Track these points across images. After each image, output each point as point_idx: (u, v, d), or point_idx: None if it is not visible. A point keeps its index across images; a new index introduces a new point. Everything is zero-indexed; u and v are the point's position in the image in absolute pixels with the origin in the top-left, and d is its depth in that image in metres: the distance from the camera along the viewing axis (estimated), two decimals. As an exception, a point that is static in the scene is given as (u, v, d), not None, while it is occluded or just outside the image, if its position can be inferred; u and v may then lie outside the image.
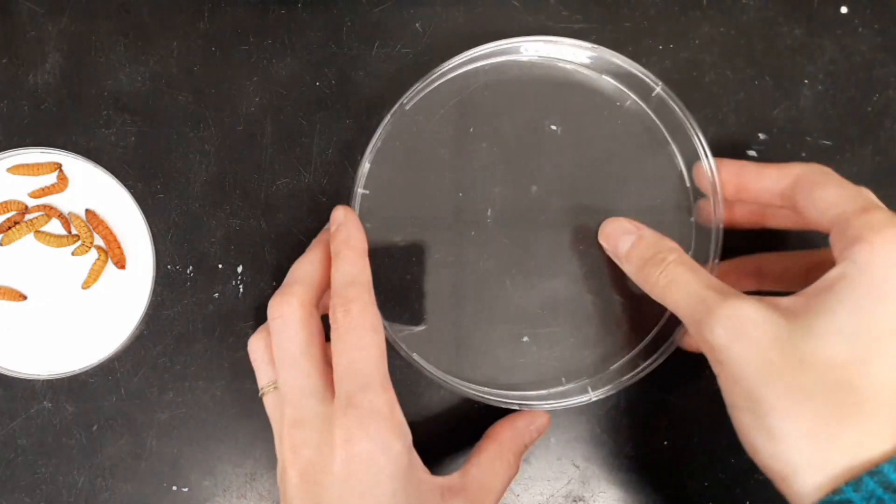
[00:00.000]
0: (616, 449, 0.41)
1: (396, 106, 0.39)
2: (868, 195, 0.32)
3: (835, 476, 0.27)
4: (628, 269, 0.36)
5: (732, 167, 0.36)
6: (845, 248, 0.29)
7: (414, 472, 0.32)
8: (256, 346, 0.36)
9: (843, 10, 0.42)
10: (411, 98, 0.40)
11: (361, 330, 0.32)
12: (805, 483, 0.27)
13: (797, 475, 0.28)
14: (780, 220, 0.37)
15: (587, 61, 0.40)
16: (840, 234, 0.30)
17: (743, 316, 0.29)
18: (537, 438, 0.37)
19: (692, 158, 0.39)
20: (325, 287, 0.35)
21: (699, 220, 0.39)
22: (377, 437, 0.30)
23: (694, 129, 0.39)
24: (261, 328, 0.36)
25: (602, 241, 0.38)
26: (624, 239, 0.36)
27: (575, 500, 0.40)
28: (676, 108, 0.39)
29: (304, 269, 0.35)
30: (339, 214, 0.36)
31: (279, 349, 0.33)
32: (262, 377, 0.35)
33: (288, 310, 0.33)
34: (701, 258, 0.39)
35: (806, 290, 0.30)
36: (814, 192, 0.32)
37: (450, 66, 0.40)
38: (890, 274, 0.28)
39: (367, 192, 0.40)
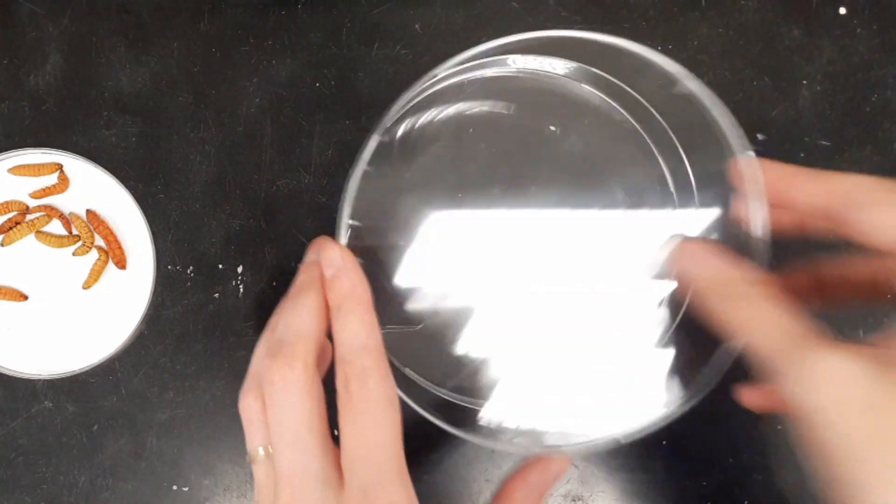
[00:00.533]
0: (615, 449, 0.41)
1: (397, 106, 0.40)
2: None
3: None
4: (702, 297, 0.30)
5: (776, 170, 0.32)
6: None
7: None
8: (249, 404, 0.30)
9: (842, 10, 0.43)
10: (411, 100, 0.40)
11: (378, 408, 0.28)
12: None
13: None
14: (821, 232, 0.33)
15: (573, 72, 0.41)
16: None
17: (839, 375, 0.25)
18: (555, 483, 0.34)
19: (677, 161, 0.40)
20: (323, 343, 0.30)
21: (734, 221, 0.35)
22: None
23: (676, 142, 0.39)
24: (250, 383, 0.31)
25: (673, 262, 0.32)
26: (704, 264, 0.31)
27: (574, 500, 0.40)
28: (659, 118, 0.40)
29: (303, 323, 0.29)
30: (335, 255, 0.31)
31: (278, 422, 0.29)
32: (255, 439, 0.30)
33: (291, 375, 0.28)
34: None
35: None
36: (868, 211, 0.28)
37: (445, 70, 0.40)
38: None
39: (364, 193, 0.40)
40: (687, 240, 0.32)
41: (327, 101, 0.42)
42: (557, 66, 0.41)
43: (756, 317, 0.28)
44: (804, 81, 0.42)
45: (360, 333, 0.29)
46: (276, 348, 0.29)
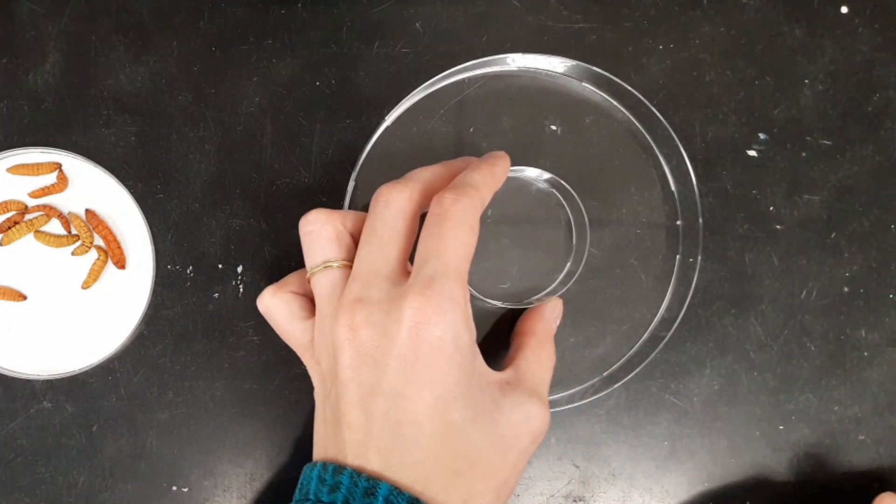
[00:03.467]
0: (616, 449, 0.41)
1: (396, 106, 0.40)
2: None
3: None
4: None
5: None
6: None
7: (476, 366, 0.31)
8: (317, 218, 0.33)
9: (844, 9, 0.42)
10: (409, 99, 0.40)
11: (463, 223, 0.30)
12: None
13: None
14: None
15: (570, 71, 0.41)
16: None
17: None
18: (559, 320, 0.38)
19: (678, 160, 0.40)
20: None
21: None
22: (452, 325, 0.29)
23: (674, 138, 0.39)
24: (326, 210, 0.33)
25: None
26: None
27: (575, 500, 0.40)
28: (661, 118, 0.40)
29: (426, 173, 0.33)
30: (500, 156, 0.35)
31: (371, 228, 0.31)
32: (317, 254, 0.33)
33: (397, 196, 0.31)
34: (688, 256, 0.39)
35: None
36: None
37: (445, 73, 0.40)
38: None
39: (365, 190, 0.40)
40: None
41: (328, 100, 0.41)
42: (556, 65, 0.41)
43: None
44: (806, 81, 0.42)
45: (480, 177, 0.32)
46: (392, 182, 0.32)
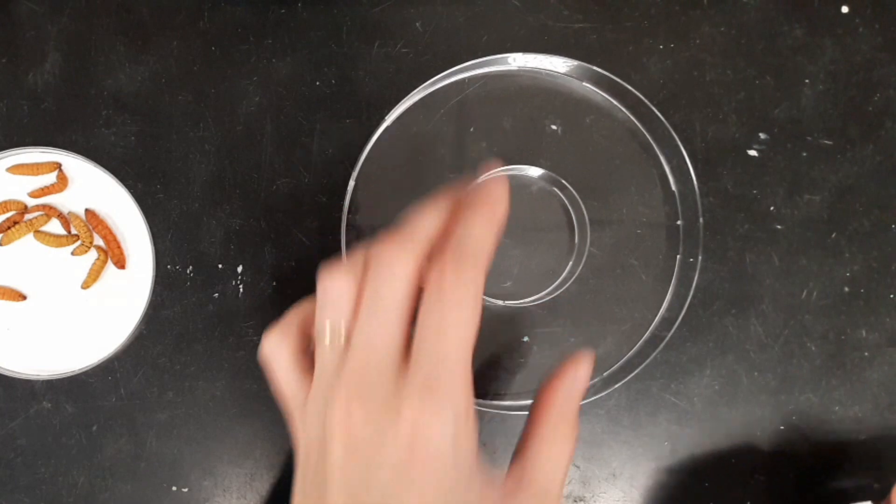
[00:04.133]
0: (616, 449, 0.41)
1: (396, 106, 0.40)
2: None
3: None
4: None
5: None
6: None
7: (476, 469, 0.28)
8: (339, 280, 0.29)
9: (844, 9, 0.42)
10: (410, 99, 0.40)
11: (467, 300, 0.27)
12: None
13: None
14: None
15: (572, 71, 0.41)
16: None
17: None
18: (587, 385, 0.32)
19: (678, 160, 0.40)
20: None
21: None
22: (452, 428, 0.26)
23: (673, 136, 0.39)
24: (344, 265, 0.30)
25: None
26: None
27: (575, 500, 0.40)
28: (660, 116, 0.40)
29: (429, 224, 0.29)
30: (495, 181, 0.30)
31: (371, 294, 0.28)
32: (329, 314, 0.30)
33: (401, 264, 0.28)
34: (688, 256, 0.39)
35: None
36: None
37: (446, 73, 0.40)
38: None
39: (365, 190, 0.40)
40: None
41: (328, 99, 0.41)
42: (557, 65, 0.41)
43: None
44: (806, 80, 0.42)
45: (480, 236, 0.29)
46: (395, 238, 0.29)
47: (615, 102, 0.41)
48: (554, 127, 0.41)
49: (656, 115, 0.40)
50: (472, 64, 0.40)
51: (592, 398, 0.39)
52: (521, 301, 0.39)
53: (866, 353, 0.41)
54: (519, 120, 0.41)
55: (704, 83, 0.42)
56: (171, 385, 0.40)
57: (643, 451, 0.41)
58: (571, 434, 0.30)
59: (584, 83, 0.41)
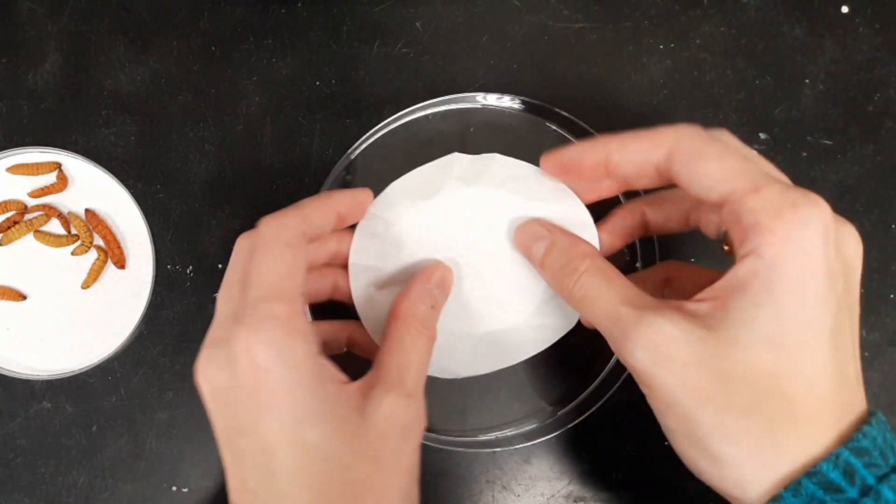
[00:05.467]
0: (617, 449, 0.40)
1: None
2: (757, 164, 0.28)
3: (776, 484, 0.26)
4: (545, 278, 0.32)
5: (598, 146, 0.31)
6: (746, 237, 0.26)
7: (326, 377, 0.29)
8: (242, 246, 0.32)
9: (844, 9, 0.42)
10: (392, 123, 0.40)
11: (272, 243, 0.29)
12: (753, 497, 0.26)
13: (746, 493, 0.27)
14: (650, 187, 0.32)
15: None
16: (734, 218, 0.27)
17: (663, 336, 0.26)
18: (445, 295, 0.34)
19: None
20: (323, 233, 0.32)
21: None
22: (273, 345, 0.27)
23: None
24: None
25: (517, 247, 0.34)
26: (537, 245, 0.32)
27: (576, 500, 0.40)
28: None
29: (321, 207, 0.32)
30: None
31: (240, 267, 0.30)
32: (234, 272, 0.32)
33: (246, 235, 0.30)
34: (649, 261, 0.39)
35: (717, 288, 0.27)
36: (693, 166, 0.28)
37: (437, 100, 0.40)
38: (802, 266, 0.26)
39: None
40: (523, 224, 0.33)
41: (327, 99, 0.41)
42: (519, 104, 0.41)
43: (587, 293, 0.29)
44: (806, 80, 0.42)
45: (304, 201, 0.32)
46: (275, 214, 0.31)
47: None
48: (554, 127, 0.41)
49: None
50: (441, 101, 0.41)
51: (601, 402, 0.39)
52: None
53: (866, 354, 0.41)
54: (518, 119, 0.41)
55: (704, 83, 0.42)
56: (171, 385, 0.40)
57: (644, 451, 0.41)
58: (422, 331, 0.32)
59: (546, 122, 0.41)
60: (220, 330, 0.29)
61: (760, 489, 0.26)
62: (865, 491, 0.25)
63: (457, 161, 0.35)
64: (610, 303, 0.28)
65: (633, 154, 0.30)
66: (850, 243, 0.27)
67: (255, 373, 0.27)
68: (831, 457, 0.25)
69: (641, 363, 0.27)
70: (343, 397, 0.28)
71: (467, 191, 0.34)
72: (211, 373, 0.29)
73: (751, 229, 0.26)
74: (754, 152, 0.29)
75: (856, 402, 0.27)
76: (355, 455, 0.28)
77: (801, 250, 0.26)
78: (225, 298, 0.30)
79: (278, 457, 0.27)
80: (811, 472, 0.25)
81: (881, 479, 0.25)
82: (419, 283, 0.33)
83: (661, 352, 0.27)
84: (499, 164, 0.36)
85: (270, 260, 0.29)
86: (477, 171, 0.35)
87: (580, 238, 0.32)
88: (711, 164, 0.27)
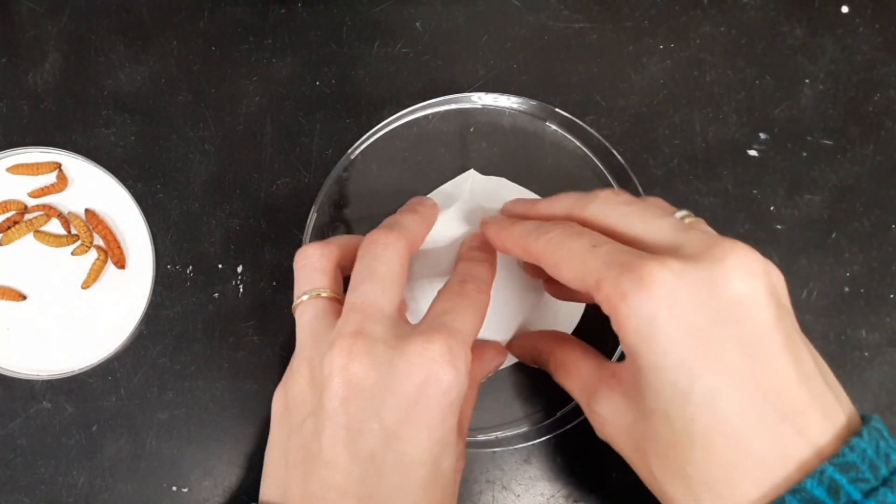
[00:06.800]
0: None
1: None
2: (605, 244, 0.28)
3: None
4: (524, 244, 0.32)
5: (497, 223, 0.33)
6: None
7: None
8: (311, 252, 0.32)
9: (844, 9, 0.42)
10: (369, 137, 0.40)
11: (480, 304, 0.32)
12: None
13: None
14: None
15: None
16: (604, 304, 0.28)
17: (606, 410, 0.30)
18: (494, 372, 0.36)
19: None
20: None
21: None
22: (463, 375, 0.28)
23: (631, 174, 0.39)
24: (321, 244, 0.33)
25: (489, 227, 0.35)
26: (514, 211, 0.35)
27: (575, 501, 0.40)
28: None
29: (411, 224, 0.33)
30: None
31: (370, 268, 0.30)
32: (306, 283, 0.32)
33: (394, 241, 0.31)
34: None
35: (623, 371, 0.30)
36: (558, 274, 0.29)
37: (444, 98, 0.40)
38: (650, 339, 0.26)
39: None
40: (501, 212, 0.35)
41: (327, 99, 0.41)
42: (518, 104, 0.41)
43: (569, 245, 0.29)
44: (806, 80, 0.42)
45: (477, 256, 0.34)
46: (385, 227, 0.32)
47: (576, 142, 0.41)
48: (554, 127, 0.41)
49: (616, 157, 0.40)
50: (438, 101, 0.41)
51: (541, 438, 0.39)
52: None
53: (866, 353, 0.41)
54: (518, 119, 0.41)
55: (704, 83, 0.42)
56: (171, 385, 0.40)
57: (643, 451, 0.41)
58: (477, 391, 0.35)
59: (546, 123, 0.41)
60: (381, 326, 0.29)
61: None
62: None
63: (472, 177, 0.37)
64: (589, 257, 0.28)
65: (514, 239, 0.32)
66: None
67: (428, 386, 0.28)
68: (815, 473, 0.25)
69: (597, 426, 0.31)
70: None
71: (476, 206, 0.35)
72: (364, 363, 0.28)
73: (612, 317, 0.27)
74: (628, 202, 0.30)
75: (833, 413, 0.27)
76: (453, 492, 0.30)
77: (643, 327, 0.26)
78: (372, 292, 0.30)
79: (416, 472, 0.28)
80: (795, 490, 0.25)
81: (868, 493, 0.25)
82: (491, 351, 0.36)
83: (609, 421, 0.30)
84: (507, 189, 0.38)
85: (474, 311, 0.31)
86: (487, 190, 0.36)
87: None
88: (565, 273, 0.29)
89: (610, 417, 0.30)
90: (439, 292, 0.32)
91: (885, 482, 0.25)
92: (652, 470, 0.28)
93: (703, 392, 0.26)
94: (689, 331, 0.26)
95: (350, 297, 0.30)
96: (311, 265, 0.32)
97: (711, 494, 0.26)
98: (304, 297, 0.32)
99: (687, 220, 0.30)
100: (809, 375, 0.27)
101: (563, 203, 0.32)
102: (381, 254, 0.31)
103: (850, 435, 0.26)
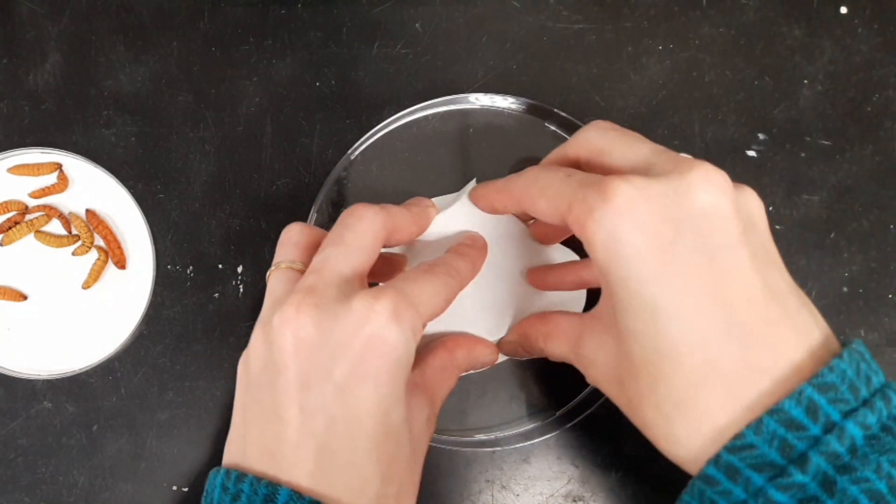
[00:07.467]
0: (616, 448, 0.41)
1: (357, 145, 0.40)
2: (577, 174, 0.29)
3: (708, 437, 0.26)
4: (504, 190, 0.34)
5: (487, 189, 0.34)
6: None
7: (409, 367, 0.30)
8: (294, 229, 0.33)
9: (843, 10, 0.43)
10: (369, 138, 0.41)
11: (450, 282, 0.31)
12: (691, 451, 0.27)
13: (683, 448, 0.27)
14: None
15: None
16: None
17: (589, 346, 0.31)
18: (479, 369, 0.37)
19: None
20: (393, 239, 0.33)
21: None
22: (408, 325, 0.28)
23: None
24: (305, 224, 0.34)
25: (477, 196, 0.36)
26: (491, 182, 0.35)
27: (575, 500, 0.40)
28: None
29: (396, 210, 0.33)
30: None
31: (338, 235, 0.31)
32: (281, 255, 0.33)
33: (371, 214, 0.31)
34: None
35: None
36: (533, 207, 0.30)
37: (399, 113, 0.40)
38: (616, 251, 0.27)
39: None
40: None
41: (327, 100, 0.41)
42: (518, 105, 0.41)
43: (544, 177, 0.30)
44: (805, 81, 0.42)
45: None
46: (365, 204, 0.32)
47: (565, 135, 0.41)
48: (553, 128, 0.41)
49: None
50: (437, 102, 0.41)
51: (600, 401, 0.39)
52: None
53: (865, 353, 0.41)
54: (517, 119, 0.41)
55: (703, 84, 0.42)
56: (171, 385, 0.40)
57: (643, 451, 0.41)
58: (456, 379, 0.35)
59: (545, 123, 0.41)
60: (334, 288, 0.29)
61: (693, 445, 0.27)
62: (829, 427, 0.25)
63: (472, 184, 0.37)
64: (564, 184, 0.29)
65: (501, 198, 0.33)
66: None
67: (373, 339, 0.28)
68: (794, 393, 0.25)
69: (584, 369, 0.32)
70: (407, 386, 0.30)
71: (473, 211, 0.35)
72: (312, 316, 0.28)
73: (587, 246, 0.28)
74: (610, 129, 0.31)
75: (806, 330, 0.27)
76: (410, 448, 0.30)
77: (608, 240, 0.27)
78: (334, 256, 0.30)
79: (365, 425, 0.28)
80: (773, 410, 0.25)
81: (847, 414, 0.25)
82: (482, 346, 0.36)
83: (593, 361, 0.31)
84: None
85: (436, 284, 0.31)
86: None
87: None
88: (542, 204, 0.30)
89: (594, 356, 0.30)
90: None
91: (865, 403, 0.25)
92: (629, 396, 0.28)
93: (667, 304, 0.26)
94: (653, 241, 0.26)
95: (314, 260, 0.31)
96: (290, 240, 0.33)
97: (682, 414, 0.26)
98: (275, 267, 0.32)
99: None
100: (780, 292, 0.27)
101: (559, 147, 0.33)
102: (353, 224, 0.31)
103: (830, 356, 0.26)
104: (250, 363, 0.30)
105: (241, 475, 0.28)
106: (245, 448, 0.29)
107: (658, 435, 0.28)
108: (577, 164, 0.31)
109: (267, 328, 0.29)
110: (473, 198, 0.35)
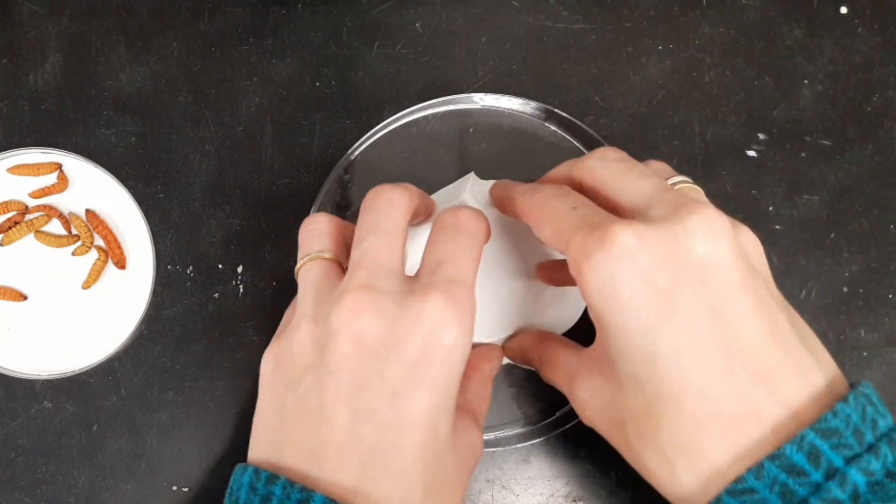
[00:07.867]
0: (616, 449, 0.40)
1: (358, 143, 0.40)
2: (579, 207, 0.29)
3: (707, 480, 0.26)
4: (509, 204, 0.34)
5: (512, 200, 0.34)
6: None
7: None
8: (321, 219, 0.32)
9: (843, 10, 0.43)
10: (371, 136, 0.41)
11: (478, 239, 0.30)
12: (694, 484, 0.26)
13: (682, 489, 0.27)
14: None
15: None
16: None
17: (584, 395, 0.31)
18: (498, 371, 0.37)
19: None
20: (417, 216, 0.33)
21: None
22: (466, 333, 0.28)
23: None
24: (329, 215, 0.33)
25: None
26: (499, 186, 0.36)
27: (575, 500, 0.40)
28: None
29: (416, 189, 0.33)
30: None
31: (373, 223, 0.30)
32: (311, 245, 0.32)
33: (400, 198, 0.30)
34: None
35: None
36: (539, 233, 0.30)
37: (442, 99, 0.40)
38: (612, 300, 0.27)
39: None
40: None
41: (327, 100, 0.42)
42: (518, 105, 0.41)
43: (552, 204, 0.30)
44: (805, 81, 0.42)
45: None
46: (389, 184, 0.31)
47: (577, 144, 0.41)
48: (553, 128, 0.41)
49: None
50: (438, 102, 0.41)
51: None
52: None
53: (865, 354, 0.41)
54: (517, 119, 0.41)
55: (703, 84, 0.42)
56: (172, 385, 0.40)
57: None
58: (491, 393, 0.35)
59: (546, 124, 0.41)
60: (385, 281, 0.28)
61: (695, 488, 0.26)
62: (831, 474, 0.24)
63: (471, 179, 0.37)
64: (565, 216, 0.29)
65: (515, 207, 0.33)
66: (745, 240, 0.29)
67: (430, 344, 0.27)
68: (795, 439, 0.25)
69: (580, 410, 0.31)
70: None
71: (479, 205, 0.35)
72: (370, 320, 0.27)
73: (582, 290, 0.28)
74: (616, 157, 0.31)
75: (810, 375, 0.27)
76: (452, 464, 0.29)
77: (605, 287, 0.27)
78: (375, 246, 0.29)
79: (415, 432, 0.27)
80: (774, 455, 0.25)
81: (851, 460, 0.25)
82: (495, 351, 0.36)
83: (589, 402, 0.31)
84: None
85: (470, 250, 0.30)
86: (486, 193, 0.36)
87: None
88: (545, 231, 0.29)
89: (589, 398, 0.30)
90: (432, 230, 0.31)
91: (869, 448, 0.25)
92: (630, 441, 0.28)
93: (668, 352, 0.26)
94: (651, 290, 0.26)
95: (355, 252, 0.30)
96: (319, 229, 0.32)
97: (684, 458, 0.26)
98: (308, 258, 0.31)
99: (678, 186, 0.30)
100: (783, 337, 0.27)
101: (566, 164, 0.33)
102: (385, 209, 0.30)
103: (835, 400, 0.26)
104: (291, 361, 0.29)
105: (272, 476, 0.27)
106: (282, 447, 0.28)
107: (661, 479, 0.28)
108: (581, 190, 0.31)
109: (319, 327, 0.28)
110: (493, 191, 0.35)
